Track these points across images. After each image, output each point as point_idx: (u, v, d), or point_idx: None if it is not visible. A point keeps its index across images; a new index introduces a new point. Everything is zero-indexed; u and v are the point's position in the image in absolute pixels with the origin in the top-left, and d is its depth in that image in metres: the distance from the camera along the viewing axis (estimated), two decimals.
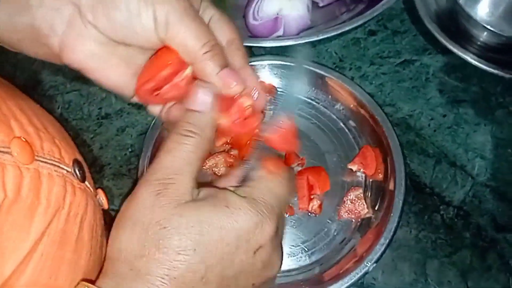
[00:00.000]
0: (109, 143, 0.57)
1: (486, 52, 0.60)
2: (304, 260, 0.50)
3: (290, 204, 0.52)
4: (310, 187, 0.51)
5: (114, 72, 0.34)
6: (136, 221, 0.28)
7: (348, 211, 0.52)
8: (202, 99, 0.31)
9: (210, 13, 0.35)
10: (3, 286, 0.29)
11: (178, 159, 0.29)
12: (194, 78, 0.33)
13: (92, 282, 0.29)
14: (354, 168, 0.54)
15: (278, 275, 0.49)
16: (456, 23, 0.62)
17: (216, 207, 0.28)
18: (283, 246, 0.33)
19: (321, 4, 0.65)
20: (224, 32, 0.35)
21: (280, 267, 0.32)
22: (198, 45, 0.32)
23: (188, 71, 0.33)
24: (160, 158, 0.30)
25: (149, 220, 0.28)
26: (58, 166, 0.35)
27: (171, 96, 0.34)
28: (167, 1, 0.31)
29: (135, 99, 0.37)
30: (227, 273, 0.28)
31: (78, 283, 0.29)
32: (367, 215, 0.51)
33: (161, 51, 0.33)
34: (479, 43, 0.61)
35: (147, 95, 0.34)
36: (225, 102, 0.33)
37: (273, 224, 0.29)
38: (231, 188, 0.31)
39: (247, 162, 0.34)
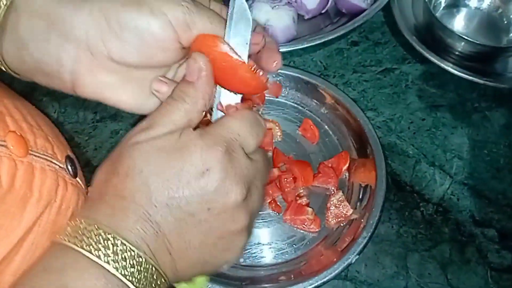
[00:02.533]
0: (103, 145, 0.59)
1: (462, 61, 0.64)
2: (290, 254, 0.52)
3: (278, 203, 0.55)
4: (294, 179, 0.53)
5: (129, 96, 0.34)
6: (109, 156, 0.31)
7: (335, 216, 0.53)
8: (193, 70, 0.32)
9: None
10: None
11: (162, 115, 0.31)
12: None
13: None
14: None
15: (264, 268, 0.51)
16: (433, 34, 0.66)
17: (168, 138, 0.30)
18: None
19: (306, 17, 0.69)
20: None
21: (243, 196, 0.30)
22: (223, 20, 0.32)
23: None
24: (152, 112, 0.32)
25: (115, 154, 0.31)
26: (51, 161, 0.36)
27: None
28: (176, 4, 0.31)
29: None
30: (174, 195, 0.29)
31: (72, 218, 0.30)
32: (354, 216, 0.53)
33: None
34: (455, 52, 0.65)
35: None
36: (224, 73, 0.33)
37: (221, 147, 0.30)
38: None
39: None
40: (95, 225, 0.28)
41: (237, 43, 0.33)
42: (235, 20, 0.33)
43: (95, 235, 0.27)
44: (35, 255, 0.33)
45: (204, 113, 0.33)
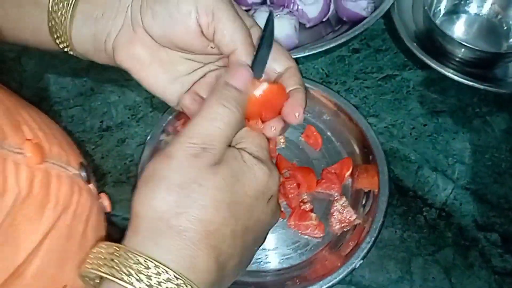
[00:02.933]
0: (110, 153, 0.60)
1: (462, 66, 0.65)
2: (295, 259, 0.52)
3: (282, 209, 0.55)
4: (298, 185, 0.54)
5: (153, 74, 0.37)
6: (171, 180, 0.28)
7: (339, 222, 0.54)
8: (245, 80, 0.32)
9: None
10: (15, 273, 0.31)
11: (219, 130, 0.30)
12: None
13: (115, 241, 0.29)
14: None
15: (269, 273, 0.52)
16: (433, 41, 0.67)
17: (237, 164, 0.30)
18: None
19: (308, 25, 0.70)
20: (281, 60, 0.36)
21: (279, 214, 0.35)
22: (246, 26, 0.34)
23: None
24: (200, 125, 0.30)
25: (186, 179, 0.28)
26: (66, 168, 0.38)
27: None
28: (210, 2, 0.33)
29: (179, 108, 0.38)
30: (248, 224, 0.30)
31: (95, 245, 0.29)
32: (357, 221, 0.54)
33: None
34: (456, 58, 0.66)
35: None
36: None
37: (278, 173, 0.33)
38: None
39: None
40: (166, 268, 0.27)
41: (261, 65, 0.34)
42: (265, 42, 0.34)
43: (165, 279, 0.26)
44: (52, 258, 0.34)
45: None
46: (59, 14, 0.36)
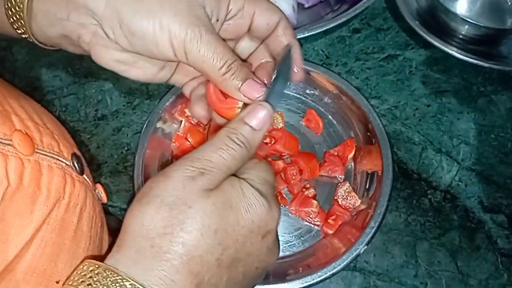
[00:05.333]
0: (106, 142, 0.59)
1: (466, 44, 0.63)
2: (298, 246, 0.51)
3: (284, 196, 0.54)
4: (300, 172, 0.53)
5: (140, 72, 0.36)
6: (164, 199, 0.28)
7: (344, 208, 0.53)
8: (263, 120, 0.32)
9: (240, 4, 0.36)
10: (6, 269, 0.30)
11: (221, 159, 0.30)
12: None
13: (98, 258, 0.29)
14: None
15: None
16: (436, 18, 0.65)
17: (234, 192, 0.30)
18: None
19: (306, 5, 0.68)
20: (267, 16, 0.36)
21: (278, 254, 0.33)
22: (216, 67, 0.33)
23: None
24: (204, 151, 0.30)
25: (177, 200, 0.28)
26: (57, 159, 0.36)
27: None
28: (182, 29, 0.32)
29: (171, 81, 0.39)
30: (238, 256, 0.29)
31: (82, 262, 0.29)
32: (362, 207, 0.52)
33: None
34: (459, 36, 0.64)
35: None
36: None
37: (279, 210, 0.31)
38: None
39: None
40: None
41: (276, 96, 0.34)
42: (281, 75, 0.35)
43: None
44: (44, 252, 0.33)
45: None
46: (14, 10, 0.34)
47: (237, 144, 0.31)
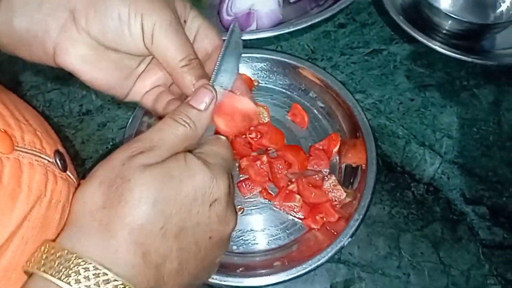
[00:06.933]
0: (91, 138, 0.59)
1: (449, 39, 0.64)
2: (284, 240, 0.52)
3: (270, 191, 0.54)
4: (288, 165, 0.53)
5: (104, 74, 0.36)
6: (104, 177, 0.29)
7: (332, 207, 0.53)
8: (205, 99, 0.34)
9: (198, 22, 0.39)
10: None
11: (164, 139, 0.31)
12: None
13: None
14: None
15: (258, 254, 0.51)
16: (420, 13, 0.65)
17: (176, 163, 0.30)
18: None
19: (292, 0, 0.68)
20: (212, 39, 0.39)
21: (235, 225, 0.34)
22: (177, 58, 0.35)
23: None
24: (147, 132, 0.32)
25: (115, 175, 0.29)
26: (39, 156, 0.36)
27: None
28: (155, 13, 0.34)
29: (129, 99, 0.39)
30: (184, 225, 0.30)
31: (42, 243, 0.30)
32: (347, 200, 0.53)
33: None
34: (442, 30, 0.65)
35: None
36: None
37: (226, 180, 0.32)
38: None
39: None
40: (86, 260, 0.27)
41: (227, 74, 0.37)
42: (228, 53, 0.38)
43: (83, 269, 0.27)
44: (25, 250, 0.33)
45: None
46: None
47: (181, 124, 0.32)
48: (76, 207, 0.30)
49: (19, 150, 0.34)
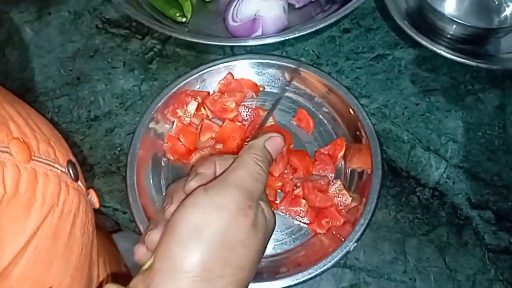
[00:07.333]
0: (99, 143, 0.59)
1: (454, 44, 0.64)
2: (289, 244, 0.52)
3: (275, 201, 0.55)
4: (294, 170, 0.54)
5: None
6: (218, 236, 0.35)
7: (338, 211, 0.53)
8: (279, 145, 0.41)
9: None
10: (1, 275, 0.30)
11: (260, 190, 0.37)
12: None
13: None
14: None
15: (264, 259, 0.52)
16: (424, 18, 0.65)
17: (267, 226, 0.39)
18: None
19: (297, 6, 0.68)
20: None
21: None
22: None
23: None
24: (246, 180, 0.37)
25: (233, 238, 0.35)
26: (53, 166, 0.37)
27: None
28: None
29: None
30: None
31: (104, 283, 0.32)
32: (353, 204, 0.53)
33: None
34: (447, 35, 0.65)
35: None
36: None
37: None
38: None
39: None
40: None
41: None
42: None
43: None
44: (38, 258, 0.33)
45: None
46: None
47: (266, 175, 0.38)
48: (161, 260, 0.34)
49: (35, 160, 0.34)
